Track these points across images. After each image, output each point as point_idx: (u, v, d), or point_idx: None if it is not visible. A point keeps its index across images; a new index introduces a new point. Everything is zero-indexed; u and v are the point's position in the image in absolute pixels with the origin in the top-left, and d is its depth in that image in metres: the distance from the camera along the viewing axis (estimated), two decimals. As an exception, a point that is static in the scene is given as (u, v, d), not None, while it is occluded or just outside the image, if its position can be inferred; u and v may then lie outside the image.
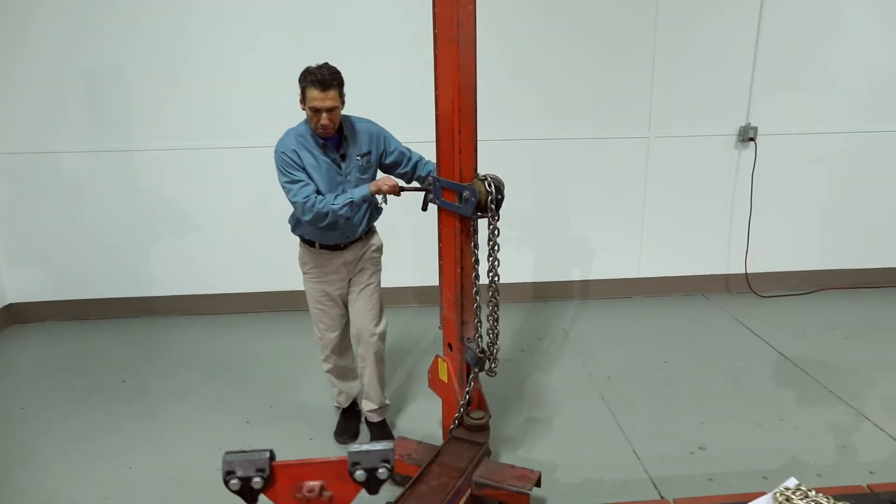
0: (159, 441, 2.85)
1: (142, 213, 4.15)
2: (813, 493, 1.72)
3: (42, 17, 3.77)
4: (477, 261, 2.31)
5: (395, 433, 2.88)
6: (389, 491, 2.39)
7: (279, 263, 3.64)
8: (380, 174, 2.62)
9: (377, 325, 2.71)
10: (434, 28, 2.19)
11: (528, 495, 2.17)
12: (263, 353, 3.71)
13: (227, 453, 1.32)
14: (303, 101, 2.40)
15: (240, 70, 3.91)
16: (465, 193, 2.19)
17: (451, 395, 2.52)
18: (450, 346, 2.48)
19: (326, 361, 2.82)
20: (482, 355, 2.37)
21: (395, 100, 3.70)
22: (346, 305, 2.75)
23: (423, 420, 2.98)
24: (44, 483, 2.57)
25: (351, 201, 2.42)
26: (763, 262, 4.47)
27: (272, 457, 1.35)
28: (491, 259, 2.29)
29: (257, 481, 1.32)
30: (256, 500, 1.36)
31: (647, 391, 3.22)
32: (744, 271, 4.44)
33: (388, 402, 2.90)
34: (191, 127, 3.99)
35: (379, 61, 3.86)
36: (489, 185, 2.18)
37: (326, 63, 2.38)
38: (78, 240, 4.17)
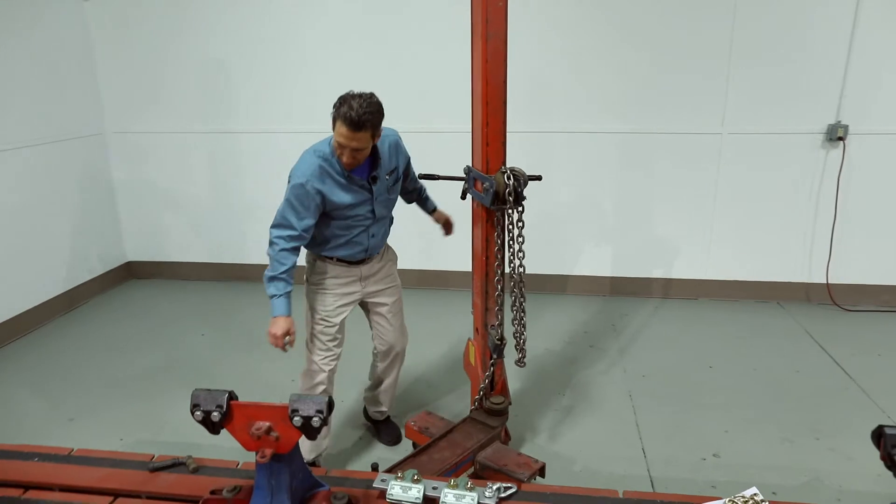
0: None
1: (239, 189, 4.62)
2: (769, 504, 1.72)
3: (159, 10, 4.31)
4: (501, 244, 2.40)
5: (431, 409, 3.08)
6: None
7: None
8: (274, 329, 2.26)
9: (406, 340, 2.74)
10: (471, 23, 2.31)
11: (520, 482, 2.28)
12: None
13: (195, 390, 1.59)
14: (332, 124, 2.16)
15: (329, 61, 4.24)
16: (485, 184, 2.32)
17: (476, 377, 2.67)
18: (477, 330, 2.63)
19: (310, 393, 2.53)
20: (499, 342, 2.49)
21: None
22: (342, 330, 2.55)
23: (460, 400, 3.13)
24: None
25: (272, 295, 2.26)
26: (849, 273, 4.18)
27: (231, 396, 1.60)
28: (512, 249, 2.38)
29: (216, 415, 1.58)
30: (218, 431, 1.62)
31: (678, 393, 3.18)
32: (825, 281, 4.17)
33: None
34: (284, 112, 4.39)
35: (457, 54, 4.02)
36: (508, 178, 2.28)
37: (371, 96, 2.14)
38: (185, 210, 4.73)
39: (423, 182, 2.76)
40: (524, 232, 2.38)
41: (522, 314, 2.47)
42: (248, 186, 4.58)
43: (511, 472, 2.32)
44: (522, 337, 2.48)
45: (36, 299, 4.06)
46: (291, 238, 2.25)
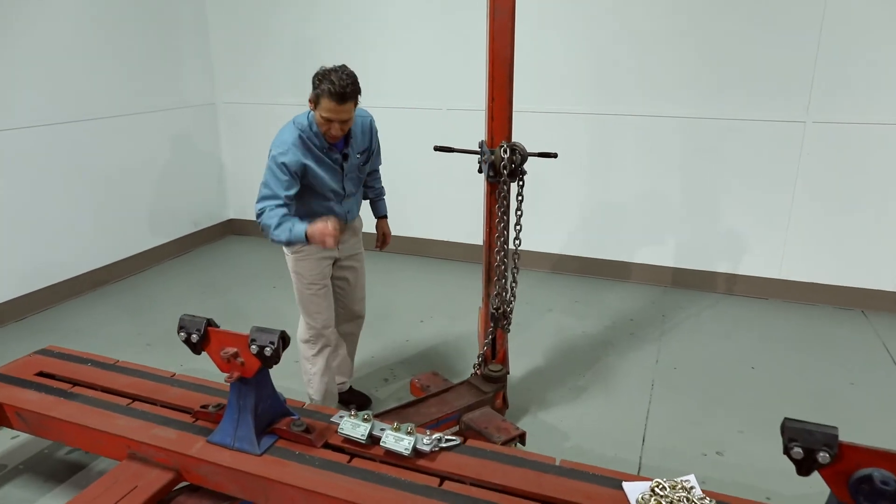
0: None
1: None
2: (698, 492, 1.70)
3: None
4: (501, 214, 2.48)
5: (443, 368, 3.23)
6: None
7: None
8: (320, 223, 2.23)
9: (364, 308, 2.84)
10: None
11: (494, 443, 2.37)
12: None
13: (183, 315, 1.87)
14: (313, 103, 2.26)
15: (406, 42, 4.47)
16: (484, 157, 2.41)
17: (480, 340, 2.79)
18: (483, 298, 2.74)
19: (318, 356, 2.63)
20: (495, 311, 2.59)
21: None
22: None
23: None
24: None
25: (286, 241, 2.28)
26: (952, 286, 3.71)
27: (209, 323, 1.86)
28: (503, 222, 2.45)
29: (194, 337, 1.84)
30: (199, 352, 1.89)
31: (704, 388, 3.06)
32: (920, 292, 3.74)
33: None
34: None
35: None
36: (505, 152, 2.35)
37: (345, 68, 2.25)
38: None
39: (384, 181, 2.86)
40: (524, 206, 2.45)
41: (514, 285, 2.54)
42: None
43: (489, 434, 2.42)
44: (510, 306, 2.56)
45: (150, 243, 4.72)
46: (277, 206, 2.29)
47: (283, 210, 2.29)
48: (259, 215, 2.31)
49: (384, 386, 3.12)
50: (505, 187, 2.40)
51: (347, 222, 2.59)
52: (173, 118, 4.82)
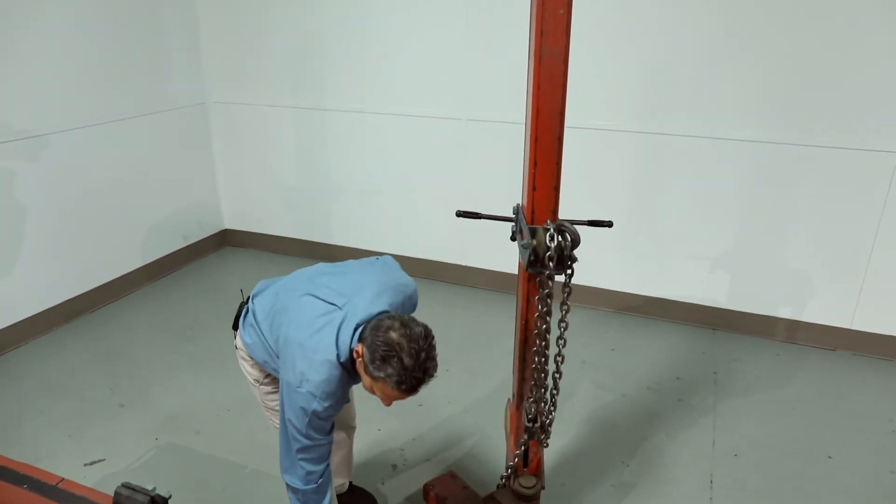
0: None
1: (324, 168, 4.45)
2: None
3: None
4: (543, 313, 1.95)
5: (461, 456, 2.74)
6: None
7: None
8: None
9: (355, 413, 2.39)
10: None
11: None
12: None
13: (118, 489, 1.38)
14: (366, 370, 1.65)
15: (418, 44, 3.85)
16: (523, 242, 1.86)
17: (510, 446, 2.29)
18: (514, 395, 2.23)
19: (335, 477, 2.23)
20: (531, 425, 2.08)
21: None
22: None
23: (497, 452, 2.76)
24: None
25: None
26: None
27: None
28: (545, 323, 1.92)
29: None
30: None
31: (774, 491, 2.54)
32: None
33: None
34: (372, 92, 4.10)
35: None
36: (550, 238, 1.80)
37: (429, 357, 1.68)
38: (277, 184, 4.65)
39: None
40: (570, 300, 1.91)
41: (555, 392, 2.02)
42: (334, 164, 4.39)
43: (523, 587, 1.94)
44: (550, 417, 2.04)
45: (133, 264, 4.22)
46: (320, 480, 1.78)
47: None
48: (294, 490, 1.79)
49: (392, 477, 2.64)
50: (550, 281, 1.86)
51: None
52: (157, 121, 4.25)
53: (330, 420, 1.76)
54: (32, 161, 3.48)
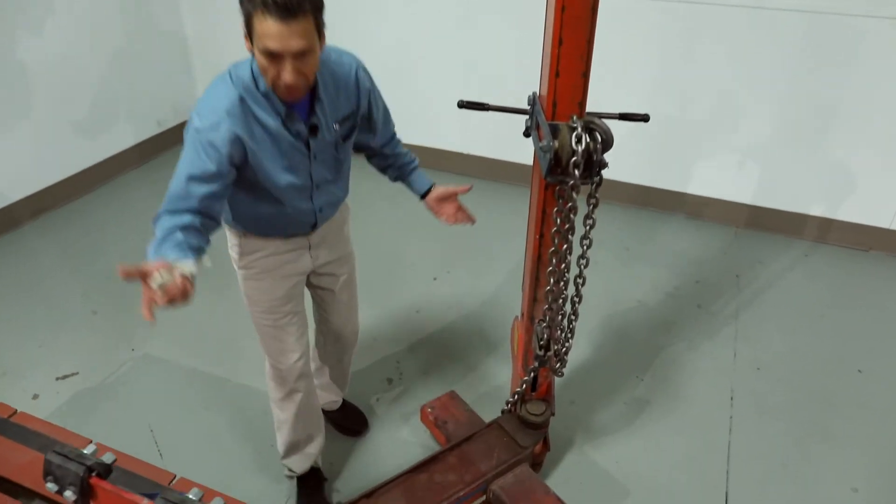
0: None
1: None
2: None
3: None
4: (565, 231, 1.63)
5: (462, 371, 2.54)
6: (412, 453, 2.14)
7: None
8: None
9: (357, 319, 2.07)
10: None
11: (537, 540, 1.74)
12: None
13: (49, 454, 1.16)
14: (249, 37, 1.35)
15: None
16: (542, 143, 1.50)
17: (516, 368, 2.07)
18: (523, 314, 1.97)
19: (287, 402, 1.87)
20: (542, 353, 1.82)
21: None
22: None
23: (502, 371, 2.51)
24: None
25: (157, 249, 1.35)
26: None
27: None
28: (566, 241, 1.61)
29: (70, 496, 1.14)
30: None
31: (800, 407, 2.36)
32: None
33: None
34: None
35: None
36: (577, 139, 1.43)
37: None
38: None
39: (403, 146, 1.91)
40: (595, 213, 1.57)
41: (574, 318, 1.74)
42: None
43: (529, 524, 1.78)
44: (567, 345, 1.78)
45: (102, 153, 3.83)
46: (183, 212, 1.38)
47: (187, 219, 1.37)
48: (156, 219, 1.40)
49: (387, 392, 2.45)
50: (574, 192, 1.52)
51: (317, 226, 1.71)
52: (128, 2, 3.70)
53: (215, 152, 1.39)
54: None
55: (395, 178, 1.93)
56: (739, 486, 2.08)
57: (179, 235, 1.34)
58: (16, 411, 1.81)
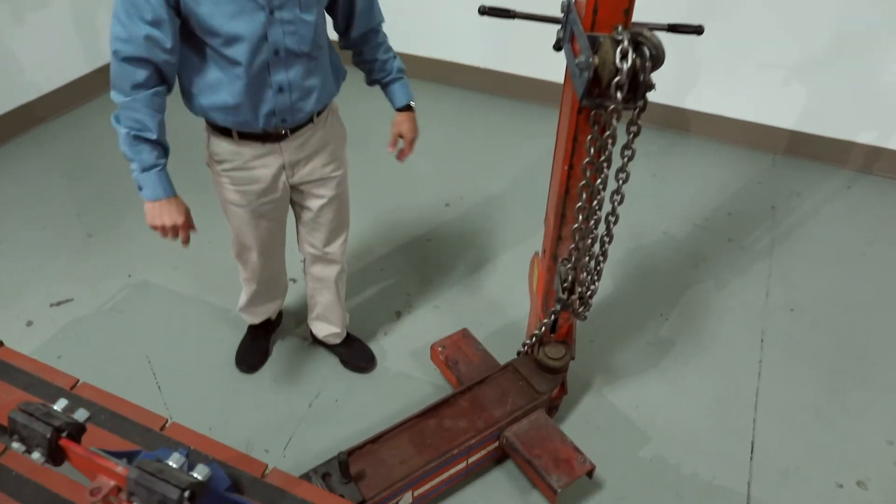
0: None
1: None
2: None
3: None
4: (599, 163, 1.43)
5: (475, 305, 2.39)
6: (423, 392, 2.04)
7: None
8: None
9: (343, 242, 1.88)
10: None
11: (555, 493, 1.64)
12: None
13: (13, 412, 1.04)
14: None
15: None
16: (580, 59, 1.27)
17: (534, 313, 1.92)
18: (545, 251, 1.79)
19: (247, 284, 1.94)
20: (564, 296, 1.66)
21: None
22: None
23: (519, 309, 2.35)
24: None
25: (133, 163, 1.43)
26: None
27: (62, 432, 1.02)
28: (600, 173, 1.41)
29: (38, 457, 1.04)
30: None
31: (835, 354, 2.21)
32: None
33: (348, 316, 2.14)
34: None
35: None
36: (622, 57, 1.20)
37: None
38: None
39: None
40: (636, 143, 1.36)
41: (602, 259, 1.56)
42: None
43: (543, 471, 1.68)
44: (592, 288, 1.62)
45: (95, 62, 3.58)
46: (139, 86, 1.36)
47: (148, 96, 1.35)
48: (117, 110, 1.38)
49: (394, 324, 2.32)
50: (614, 119, 1.30)
51: (285, 122, 1.50)
52: None
53: (147, 16, 1.27)
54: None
55: (370, 83, 1.74)
56: (766, 435, 1.96)
57: (147, 156, 1.41)
58: (1, 343, 1.70)
